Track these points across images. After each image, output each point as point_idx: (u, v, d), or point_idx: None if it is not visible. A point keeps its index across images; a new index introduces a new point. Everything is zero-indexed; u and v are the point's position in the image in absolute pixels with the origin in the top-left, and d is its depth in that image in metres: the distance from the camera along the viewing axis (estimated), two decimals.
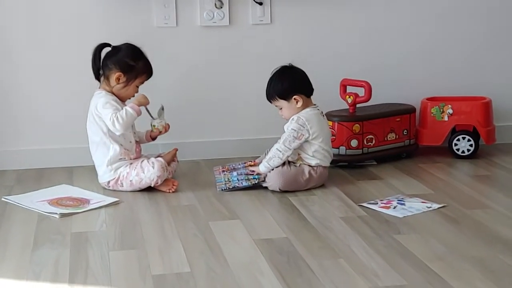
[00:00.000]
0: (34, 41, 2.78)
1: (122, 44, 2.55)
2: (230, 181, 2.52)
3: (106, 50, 2.56)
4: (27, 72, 2.80)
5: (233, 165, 2.61)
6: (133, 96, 2.57)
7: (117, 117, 2.46)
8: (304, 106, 2.50)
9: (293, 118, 2.49)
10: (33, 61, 2.79)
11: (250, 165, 2.56)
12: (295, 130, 2.46)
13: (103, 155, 2.52)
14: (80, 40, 2.77)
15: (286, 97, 2.49)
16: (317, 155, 2.51)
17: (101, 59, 2.55)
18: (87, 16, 2.79)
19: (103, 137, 2.51)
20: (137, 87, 2.55)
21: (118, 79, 2.51)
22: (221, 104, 2.95)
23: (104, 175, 2.54)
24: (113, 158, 2.51)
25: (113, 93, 2.53)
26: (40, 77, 2.81)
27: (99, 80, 2.57)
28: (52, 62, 2.80)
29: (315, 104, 2.55)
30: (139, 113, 2.51)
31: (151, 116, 2.58)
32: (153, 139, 2.65)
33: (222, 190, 2.50)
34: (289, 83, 2.49)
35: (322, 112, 2.55)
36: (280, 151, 2.45)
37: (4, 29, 2.75)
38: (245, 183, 2.51)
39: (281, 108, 2.53)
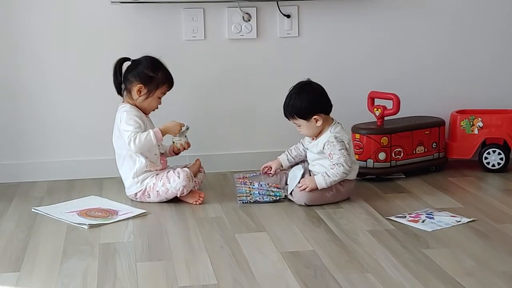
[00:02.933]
0: (64, 54, 2.82)
1: (141, 57, 2.58)
2: (251, 195, 2.52)
3: (126, 64, 2.59)
4: (57, 84, 2.85)
5: (254, 174, 2.61)
6: (156, 107, 2.59)
7: (135, 137, 2.46)
8: (324, 123, 2.49)
9: (331, 141, 2.44)
10: (63, 74, 2.84)
11: (300, 187, 2.47)
12: (343, 148, 2.44)
13: (129, 167, 2.55)
14: (109, 53, 2.80)
15: (306, 117, 2.47)
16: None
17: (122, 73, 2.58)
18: (115, 30, 2.83)
19: (129, 151, 2.54)
20: (159, 98, 2.57)
21: (139, 91, 2.53)
22: (249, 116, 2.96)
23: (131, 187, 2.56)
24: (139, 170, 2.53)
25: (136, 106, 2.56)
26: (70, 90, 2.85)
27: (121, 95, 2.60)
28: (82, 75, 2.85)
29: (332, 119, 2.52)
30: (160, 141, 2.51)
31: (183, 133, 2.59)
32: (176, 154, 2.67)
33: (243, 202, 2.50)
34: (308, 103, 2.46)
35: (342, 126, 2.54)
36: (346, 173, 2.44)
37: (34, 42, 2.80)
38: (266, 198, 2.51)
39: (299, 125, 2.51)
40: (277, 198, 2.52)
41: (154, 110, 2.60)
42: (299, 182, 2.48)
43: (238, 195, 2.53)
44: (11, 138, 2.86)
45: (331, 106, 2.51)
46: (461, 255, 2.02)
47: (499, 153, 2.89)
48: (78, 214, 2.44)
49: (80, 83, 2.85)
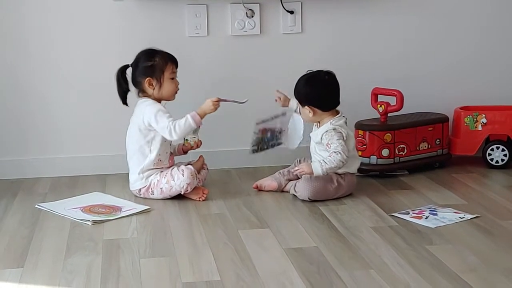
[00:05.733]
0: (67, 52, 2.82)
1: (137, 55, 2.57)
2: (260, 142, 2.62)
3: (128, 71, 2.58)
4: (61, 81, 2.85)
5: (273, 117, 2.65)
6: (177, 89, 2.57)
7: (175, 125, 2.48)
8: (323, 116, 2.52)
9: (330, 132, 2.47)
10: (67, 72, 2.84)
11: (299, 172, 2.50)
12: (341, 138, 2.46)
13: (138, 162, 2.55)
14: (112, 50, 2.81)
15: (302, 102, 2.54)
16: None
17: (126, 81, 2.57)
18: (119, 27, 2.83)
19: (143, 145, 2.54)
20: (172, 79, 2.56)
21: (150, 84, 2.54)
22: (252, 112, 2.95)
23: (136, 182, 2.57)
24: (146, 166, 2.54)
25: (156, 99, 2.56)
26: (73, 87, 2.85)
27: (126, 104, 2.58)
28: (85, 72, 2.85)
29: (338, 112, 2.53)
30: (198, 124, 2.53)
31: (239, 102, 2.58)
32: (185, 152, 2.68)
33: (253, 152, 2.63)
34: (306, 93, 2.52)
35: (346, 121, 2.56)
36: (343, 161, 2.45)
37: (38, 40, 2.80)
38: (270, 148, 2.65)
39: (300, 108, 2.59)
40: (275, 147, 2.64)
41: (176, 93, 2.58)
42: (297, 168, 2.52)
43: (252, 144, 2.61)
44: (15, 134, 2.86)
45: (330, 105, 2.52)
46: (464, 252, 2.02)
47: (503, 150, 2.88)
48: (81, 210, 2.44)
49: (84, 80, 2.85)
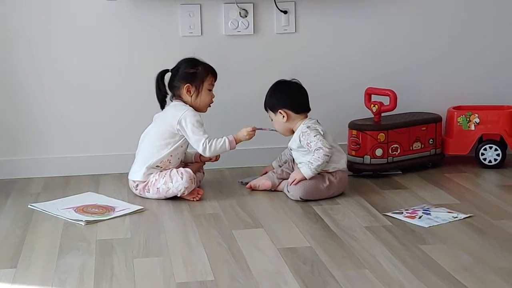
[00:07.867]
0: (60, 52, 2.81)
1: (178, 62, 2.59)
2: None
3: (167, 76, 2.60)
4: (53, 81, 2.84)
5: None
6: (211, 101, 2.60)
7: (211, 144, 2.51)
8: (292, 120, 2.55)
9: (305, 131, 2.51)
10: (60, 71, 2.83)
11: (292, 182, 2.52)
12: (318, 134, 2.49)
13: (148, 158, 2.53)
14: (105, 50, 2.80)
15: (273, 109, 2.57)
16: (331, 158, 2.50)
17: (165, 85, 2.59)
18: (112, 27, 2.83)
19: (162, 144, 2.52)
20: (210, 91, 2.59)
21: (188, 91, 2.55)
22: (245, 113, 2.96)
23: (137, 173, 2.55)
24: (154, 163, 2.53)
25: (192, 107, 2.56)
26: (66, 87, 2.85)
27: (162, 109, 2.60)
28: (78, 72, 2.84)
29: (307, 116, 2.57)
30: (233, 148, 2.56)
31: (275, 130, 2.61)
32: (202, 161, 2.70)
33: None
34: (277, 98, 2.57)
35: (317, 121, 2.58)
36: (327, 155, 2.47)
37: (30, 40, 2.79)
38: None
39: (272, 120, 2.61)
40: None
41: (210, 106, 2.61)
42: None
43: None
44: (7, 134, 2.85)
45: (302, 106, 2.56)
46: (457, 251, 2.02)
47: (496, 149, 2.89)
48: (74, 210, 2.43)
49: (77, 80, 2.84)
